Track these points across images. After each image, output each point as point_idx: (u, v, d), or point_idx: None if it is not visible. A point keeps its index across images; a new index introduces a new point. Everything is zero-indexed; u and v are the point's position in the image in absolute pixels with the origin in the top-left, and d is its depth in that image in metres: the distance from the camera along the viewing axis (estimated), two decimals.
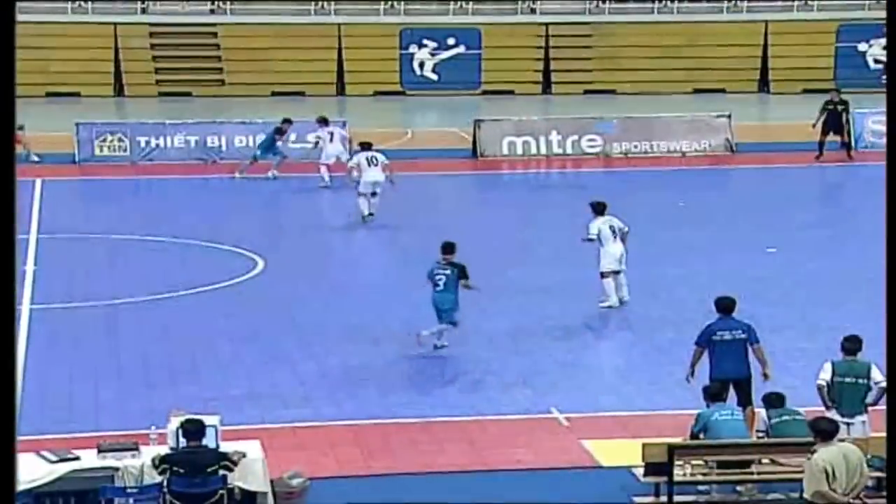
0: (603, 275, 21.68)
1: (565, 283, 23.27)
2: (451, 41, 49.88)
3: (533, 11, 51.58)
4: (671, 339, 20.04)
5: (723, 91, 49.69)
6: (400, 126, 41.95)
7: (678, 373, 16.44)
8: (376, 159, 28.62)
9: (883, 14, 51.42)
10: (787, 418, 14.30)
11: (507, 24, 50.73)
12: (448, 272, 19.63)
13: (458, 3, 50.42)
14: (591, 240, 21.73)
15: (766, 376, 15.81)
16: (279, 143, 34.20)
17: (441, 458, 15.74)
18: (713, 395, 14.59)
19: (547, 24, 50.95)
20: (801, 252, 25.65)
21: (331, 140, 33.13)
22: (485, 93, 49.44)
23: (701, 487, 14.34)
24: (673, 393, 16.96)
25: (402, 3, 50.39)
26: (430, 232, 28.16)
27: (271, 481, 13.80)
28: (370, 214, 28.31)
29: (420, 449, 16.07)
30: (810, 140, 36.74)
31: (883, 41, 51.22)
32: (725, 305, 16.16)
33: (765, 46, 52.03)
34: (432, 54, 49.87)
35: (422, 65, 49.97)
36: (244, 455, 13.40)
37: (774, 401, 14.55)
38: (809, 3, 52.59)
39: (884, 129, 37.92)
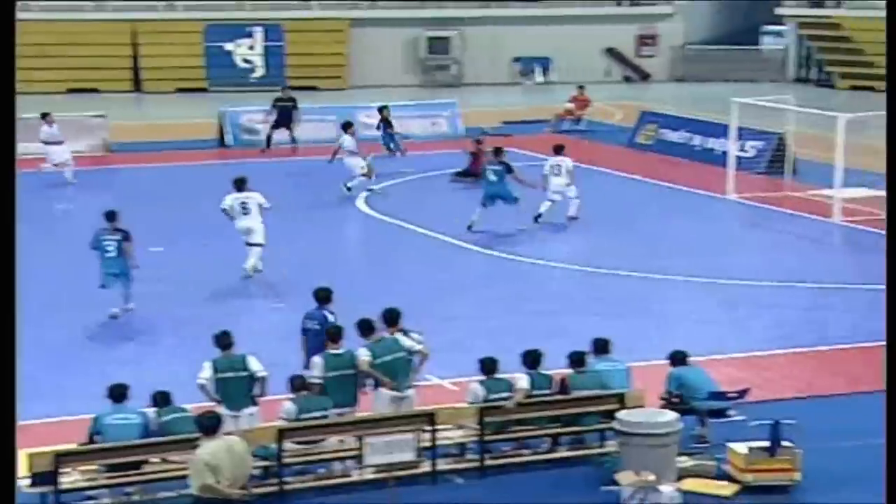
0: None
1: None
2: None
3: None
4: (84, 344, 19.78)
5: (96, 91, 49.24)
6: None
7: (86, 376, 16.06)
8: None
9: (245, 15, 53.00)
10: (175, 416, 14.39)
11: None
12: (118, 238, 20.95)
13: None
14: (223, 210, 23.28)
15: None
16: (390, 132, 34.53)
17: None
18: (116, 397, 14.41)
19: None
20: (187, 247, 25.84)
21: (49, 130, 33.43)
22: None
23: (91, 493, 14.16)
24: (86, 398, 16.43)
25: None
26: None
27: None
28: None
29: None
30: (187, 138, 37.10)
31: (248, 41, 52.71)
32: (320, 296, 16.67)
33: (135, 46, 52.05)
34: None
35: None
36: None
37: (160, 401, 14.60)
38: (175, 3, 53.10)
39: (255, 126, 39.04)
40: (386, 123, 35.16)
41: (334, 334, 15.50)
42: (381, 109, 35.60)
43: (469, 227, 27.10)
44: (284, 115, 37.92)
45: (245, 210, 23.24)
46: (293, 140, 37.88)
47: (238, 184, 23.63)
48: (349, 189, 31.02)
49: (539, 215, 27.94)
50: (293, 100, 38.34)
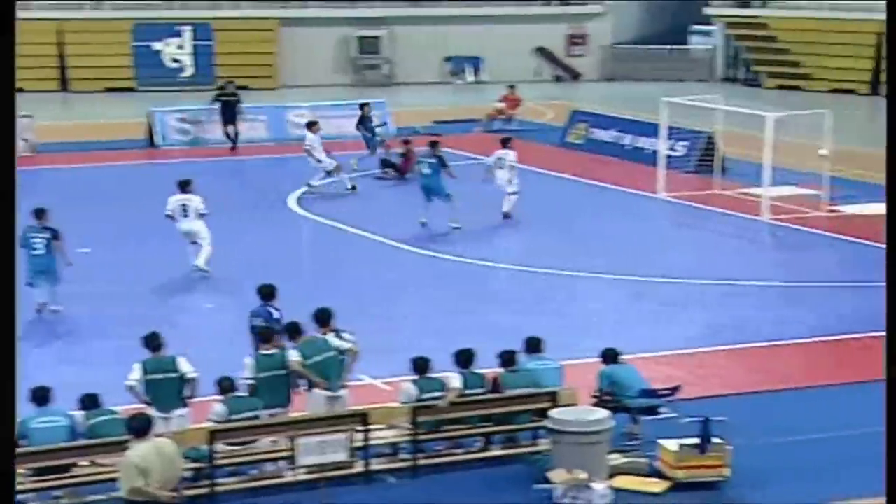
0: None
1: None
2: None
3: None
4: None
5: (22, 90, 48.60)
6: None
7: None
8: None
9: (174, 14, 52.59)
10: (104, 419, 14.23)
11: None
12: (46, 236, 20.95)
13: None
14: (168, 215, 23.41)
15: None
16: (370, 130, 34.15)
17: None
18: (39, 399, 14.24)
19: None
20: (116, 248, 25.61)
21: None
22: None
23: (18, 497, 13.96)
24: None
25: None
26: None
27: None
28: None
29: None
30: (116, 138, 36.71)
31: (177, 41, 52.34)
32: (264, 292, 16.82)
33: (61, 45, 51.56)
34: None
35: None
36: None
37: (88, 403, 14.43)
38: (102, 2, 52.66)
39: (184, 126, 38.79)
40: (366, 120, 35.07)
41: (266, 335, 15.45)
42: (361, 107, 35.56)
43: (423, 225, 27.15)
44: (229, 111, 37.72)
45: (185, 212, 23.36)
46: (236, 135, 37.69)
47: (182, 185, 23.67)
48: (353, 188, 31.19)
49: (505, 213, 28.09)
50: (236, 94, 38.22)
